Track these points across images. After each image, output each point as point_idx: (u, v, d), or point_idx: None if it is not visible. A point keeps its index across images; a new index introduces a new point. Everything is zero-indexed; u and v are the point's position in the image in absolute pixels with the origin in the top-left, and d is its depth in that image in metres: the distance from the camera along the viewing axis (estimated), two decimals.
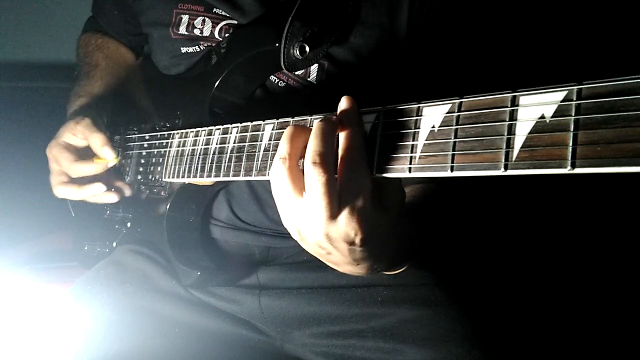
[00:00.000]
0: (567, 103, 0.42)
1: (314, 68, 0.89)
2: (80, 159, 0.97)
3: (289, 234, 0.96)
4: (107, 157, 0.97)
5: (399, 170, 0.54)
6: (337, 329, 0.88)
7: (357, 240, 0.56)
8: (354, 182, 0.55)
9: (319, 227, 0.56)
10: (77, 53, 1.22)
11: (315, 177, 0.54)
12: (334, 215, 0.55)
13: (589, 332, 1.31)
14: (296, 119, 0.67)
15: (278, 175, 0.58)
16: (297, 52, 0.81)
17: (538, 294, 1.33)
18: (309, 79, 0.90)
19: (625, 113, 0.38)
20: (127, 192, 1.04)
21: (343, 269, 0.65)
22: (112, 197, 1.00)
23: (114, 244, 1.07)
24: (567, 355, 1.27)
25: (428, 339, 0.78)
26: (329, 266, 0.97)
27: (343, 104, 0.58)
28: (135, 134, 1.07)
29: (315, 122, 0.57)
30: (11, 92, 1.76)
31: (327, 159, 0.55)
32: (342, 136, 0.56)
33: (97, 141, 0.97)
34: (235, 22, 0.93)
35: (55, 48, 1.78)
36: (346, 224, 0.55)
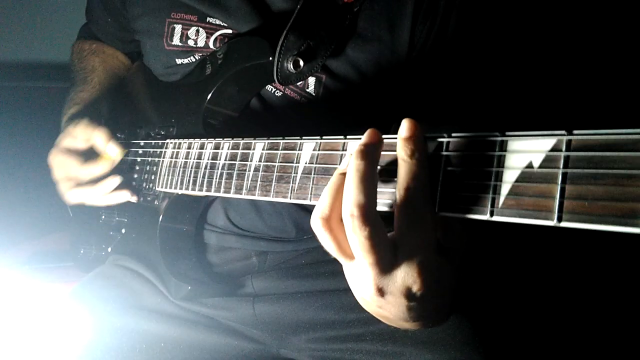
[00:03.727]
0: (555, 153, 0.40)
1: (312, 80, 0.86)
2: (86, 161, 0.96)
3: (287, 239, 0.95)
4: (113, 152, 0.96)
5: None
6: (335, 333, 0.87)
7: (418, 294, 0.49)
8: (415, 228, 0.47)
9: (368, 284, 0.49)
10: (71, 60, 1.20)
11: (356, 232, 0.46)
12: (386, 269, 0.48)
13: (589, 337, 1.30)
14: (286, 140, 0.66)
15: (321, 238, 0.51)
16: (290, 66, 0.79)
17: (538, 299, 1.32)
18: (307, 90, 0.88)
19: (614, 170, 0.36)
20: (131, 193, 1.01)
21: (394, 324, 0.59)
22: (126, 195, 0.98)
23: (109, 249, 1.08)
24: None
25: (427, 343, 0.78)
26: (325, 274, 0.96)
27: (405, 129, 0.48)
28: (130, 139, 1.06)
29: (352, 160, 0.47)
30: (11, 92, 1.77)
31: (367, 210, 0.46)
32: (402, 170, 0.47)
33: (100, 138, 0.96)
34: (230, 31, 0.91)
35: (55, 48, 1.77)
36: (404, 278, 0.48)
